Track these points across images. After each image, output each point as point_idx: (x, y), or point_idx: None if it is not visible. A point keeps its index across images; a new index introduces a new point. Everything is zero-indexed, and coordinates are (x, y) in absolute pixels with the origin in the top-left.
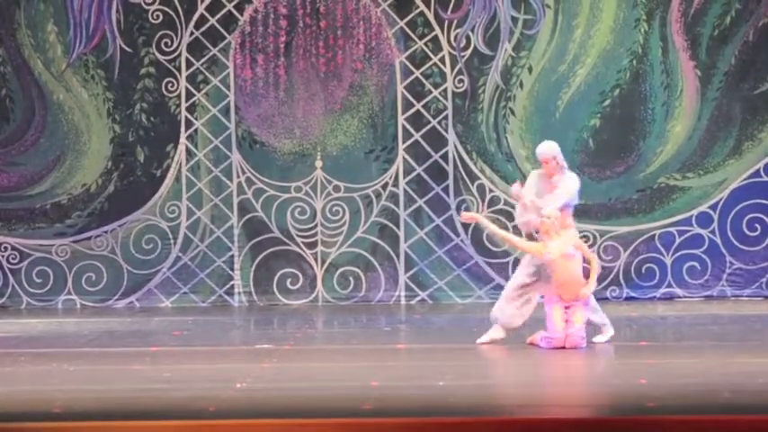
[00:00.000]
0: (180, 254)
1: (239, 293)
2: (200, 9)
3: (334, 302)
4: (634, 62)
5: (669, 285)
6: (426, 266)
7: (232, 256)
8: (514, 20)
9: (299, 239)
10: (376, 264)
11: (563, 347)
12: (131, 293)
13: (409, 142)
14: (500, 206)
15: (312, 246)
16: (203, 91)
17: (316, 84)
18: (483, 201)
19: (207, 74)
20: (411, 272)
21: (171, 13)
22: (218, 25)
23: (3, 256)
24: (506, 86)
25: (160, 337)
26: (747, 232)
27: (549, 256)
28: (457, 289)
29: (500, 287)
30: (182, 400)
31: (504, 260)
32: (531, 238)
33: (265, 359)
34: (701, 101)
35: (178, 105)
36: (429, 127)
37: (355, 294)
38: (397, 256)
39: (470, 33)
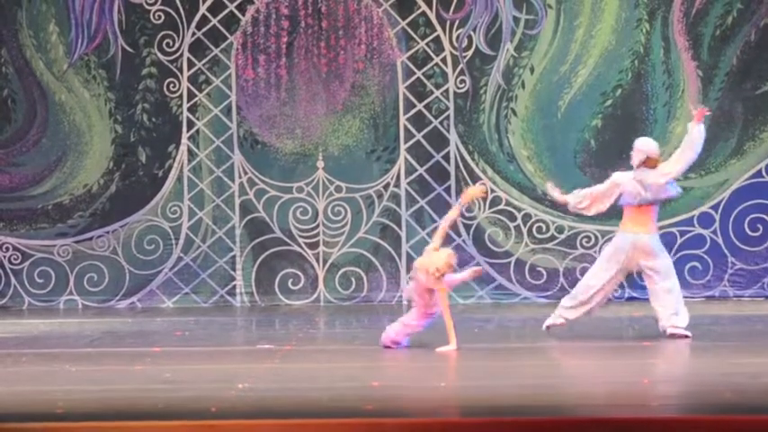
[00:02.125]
0: (182, 254)
1: (241, 294)
2: (202, 9)
3: (336, 303)
4: (636, 62)
5: None
6: None
7: (234, 257)
8: (516, 20)
9: (300, 240)
10: (378, 264)
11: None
12: (133, 294)
13: (411, 142)
14: (502, 206)
15: (314, 246)
16: (205, 91)
17: (317, 84)
18: (485, 201)
19: (208, 74)
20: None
21: (173, 13)
22: (219, 26)
23: (4, 257)
24: (508, 87)
25: (162, 337)
26: (749, 232)
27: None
28: (458, 289)
29: (502, 287)
30: (183, 401)
31: (506, 260)
32: None
33: (267, 359)
34: (703, 101)
35: (180, 106)
36: (431, 127)
37: (357, 295)
38: (399, 256)
39: (472, 33)
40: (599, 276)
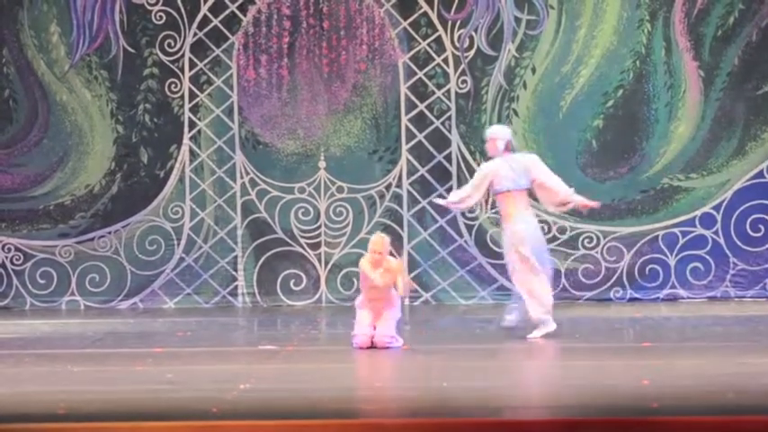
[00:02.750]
0: (183, 255)
1: (243, 294)
2: (204, 10)
3: (338, 303)
4: (637, 63)
5: (673, 286)
6: (430, 267)
7: (236, 257)
8: (518, 20)
9: (302, 240)
10: None
11: (371, 346)
12: (135, 294)
13: (413, 143)
14: None
15: (316, 246)
16: (206, 92)
17: (319, 84)
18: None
19: (210, 75)
20: (415, 273)
21: (174, 13)
22: (221, 26)
23: (6, 257)
24: (509, 87)
25: (164, 338)
26: (751, 233)
27: (376, 282)
28: (460, 290)
29: (503, 288)
30: (185, 401)
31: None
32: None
33: (269, 360)
34: (705, 101)
35: (181, 106)
36: (432, 128)
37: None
38: (401, 256)
39: (474, 34)
40: (539, 276)
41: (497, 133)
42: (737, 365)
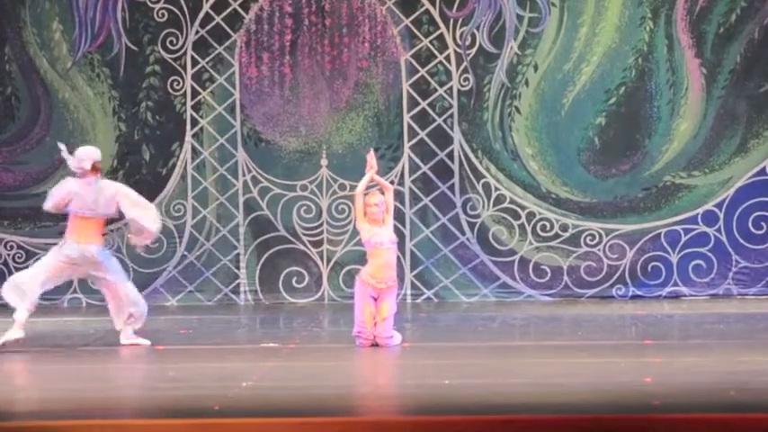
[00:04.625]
0: (186, 253)
1: (245, 292)
2: (206, 7)
3: (340, 301)
4: (639, 60)
5: (675, 284)
6: (432, 265)
7: (238, 255)
8: (520, 18)
9: (304, 238)
10: None
11: (375, 344)
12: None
13: (415, 140)
14: (506, 204)
15: (318, 244)
16: (209, 89)
17: (321, 82)
18: (489, 199)
19: (212, 72)
20: (417, 270)
21: (176, 11)
22: (223, 24)
23: (8, 255)
24: (512, 85)
25: (166, 335)
26: (753, 230)
27: (377, 239)
28: (462, 287)
29: (505, 285)
30: (187, 399)
31: (510, 258)
32: None
33: (271, 358)
34: (707, 99)
35: (184, 104)
36: (434, 125)
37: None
38: (403, 254)
39: (476, 31)
40: (51, 282)
41: (88, 153)
42: (740, 363)
